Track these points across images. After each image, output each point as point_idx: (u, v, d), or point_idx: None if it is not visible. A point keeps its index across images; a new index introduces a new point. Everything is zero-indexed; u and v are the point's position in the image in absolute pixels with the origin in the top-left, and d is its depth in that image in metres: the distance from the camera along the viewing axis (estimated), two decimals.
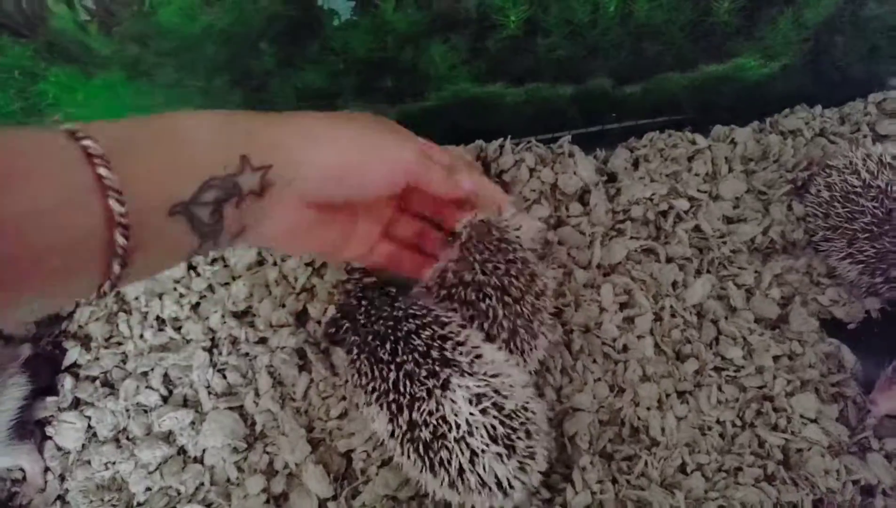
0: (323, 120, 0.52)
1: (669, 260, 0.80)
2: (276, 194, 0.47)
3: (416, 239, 0.65)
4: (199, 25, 0.66)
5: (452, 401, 0.55)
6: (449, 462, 0.56)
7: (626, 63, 0.83)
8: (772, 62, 0.87)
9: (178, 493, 0.68)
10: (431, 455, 0.56)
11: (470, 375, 0.56)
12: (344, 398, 0.71)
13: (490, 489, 0.56)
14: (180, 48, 0.68)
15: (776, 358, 0.73)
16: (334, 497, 0.66)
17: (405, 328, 0.58)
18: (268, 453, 0.69)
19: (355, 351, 0.61)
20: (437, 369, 0.56)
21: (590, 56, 0.80)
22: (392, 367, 0.57)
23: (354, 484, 0.66)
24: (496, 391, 0.56)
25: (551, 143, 0.88)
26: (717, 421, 0.69)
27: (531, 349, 0.64)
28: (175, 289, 0.79)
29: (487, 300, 0.61)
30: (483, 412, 0.55)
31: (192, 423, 0.71)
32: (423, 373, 0.56)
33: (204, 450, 0.69)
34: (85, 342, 0.77)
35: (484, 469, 0.55)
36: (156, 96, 0.71)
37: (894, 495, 0.66)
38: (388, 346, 0.58)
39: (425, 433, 0.56)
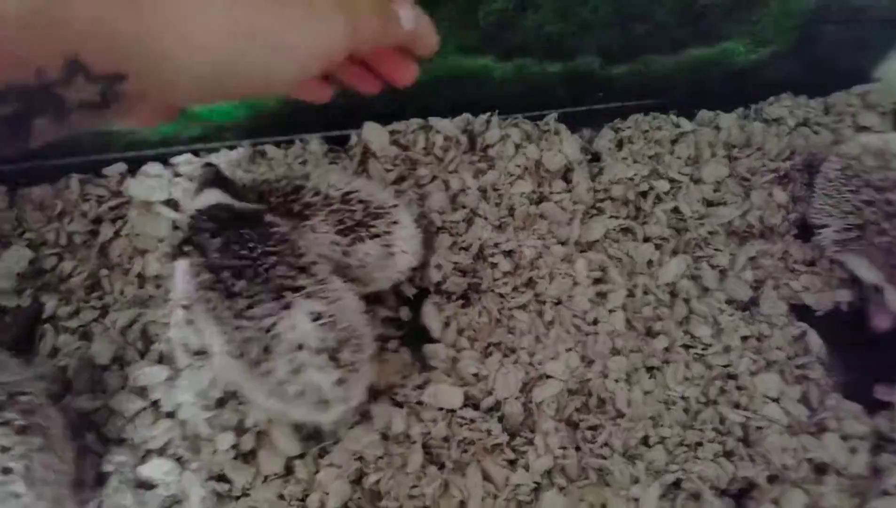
0: None
1: (646, 239, 0.80)
2: (130, 103, 0.31)
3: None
4: None
5: (292, 321, 0.58)
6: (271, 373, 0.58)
7: (615, 43, 0.83)
8: (761, 48, 0.87)
9: None
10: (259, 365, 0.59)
11: (311, 297, 0.59)
12: None
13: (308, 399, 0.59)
14: None
15: (744, 339, 0.74)
16: (301, 456, 0.67)
17: (260, 265, 0.59)
18: (239, 411, 0.70)
19: (205, 282, 0.61)
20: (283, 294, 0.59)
21: (579, 33, 0.81)
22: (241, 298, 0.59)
23: (323, 444, 0.68)
24: (331, 315, 0.59)
25: (538, 120, 0.89)
26: (682, 397, 0.71)
27: None
28: (158, 247, 0.79)
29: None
30: (317, 329, 0.58)
31: (168, 379, 0.72)
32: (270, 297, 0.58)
33: (178, 405, 0.70)
34: (65, 295, 0.77)
35: (305, 380, 0.58)
36: None
37: (846, 474, 0.67)
38: (241, 282, 0.59)
39: (256, 349, 0.58)
